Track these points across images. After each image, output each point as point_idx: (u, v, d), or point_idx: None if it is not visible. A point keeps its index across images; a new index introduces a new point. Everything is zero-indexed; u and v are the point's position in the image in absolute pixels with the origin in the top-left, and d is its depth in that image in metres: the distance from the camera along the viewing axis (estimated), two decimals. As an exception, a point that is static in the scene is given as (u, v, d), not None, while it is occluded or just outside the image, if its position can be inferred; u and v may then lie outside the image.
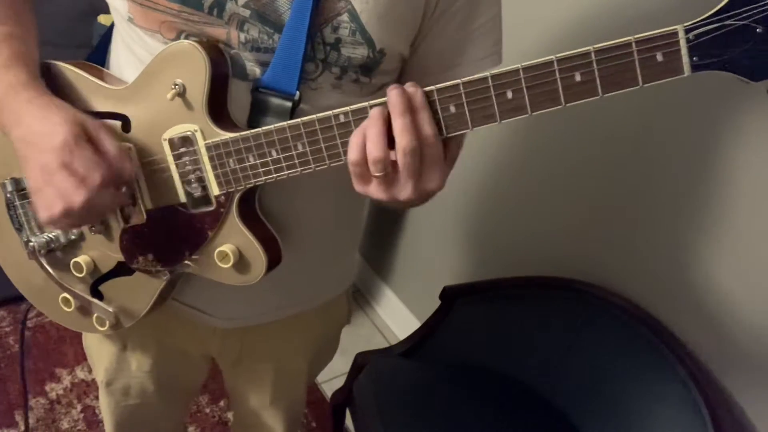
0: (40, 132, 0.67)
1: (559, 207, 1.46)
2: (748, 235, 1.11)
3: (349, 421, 1.55)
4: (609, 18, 1.24)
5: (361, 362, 1.49)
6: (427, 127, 0.61)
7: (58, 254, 0.82)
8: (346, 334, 1.13)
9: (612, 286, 1.32)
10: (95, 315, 0.83)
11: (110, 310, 0.82)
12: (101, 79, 0.76)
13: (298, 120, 0.65)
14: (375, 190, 0.64)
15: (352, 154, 0.62)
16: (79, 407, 1.78)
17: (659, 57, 0.54)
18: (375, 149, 0.60)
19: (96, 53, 0.85)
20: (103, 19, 1.67)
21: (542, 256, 1.53)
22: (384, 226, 2.16)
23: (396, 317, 2.16)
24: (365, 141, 0.61)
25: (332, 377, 1.87)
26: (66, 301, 0.84)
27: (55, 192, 0.66)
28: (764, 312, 1.11)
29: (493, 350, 1.46)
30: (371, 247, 2.27)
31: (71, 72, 0.76)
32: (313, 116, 0.65)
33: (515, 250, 1.62)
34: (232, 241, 0.73)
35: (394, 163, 0.61)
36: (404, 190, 0.63)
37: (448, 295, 1.48)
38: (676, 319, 1.24)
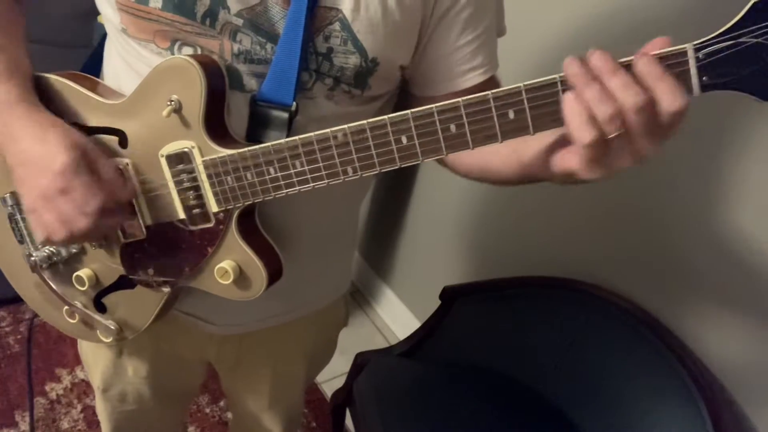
0: (39, 154, 0.66)
1: (560, 207, 1.46)
2: (748, 235, 1.11)
3: (349, 421, 1.55)
4: (614, 17, 1.24)
5: (361, 362, 1.49)
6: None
7: (60, 267, 0.81)
8: (346, 334, 1.13)
9: (612, 286, 1.32)
10: (98, 328, 0.83)
11: (111, 327, 0.82)
12: (96, 91, 0.74)
13: (296, 138, 0.64)
14: (619, 160, 0.55)
15: (587, 133, 0.53)
16: (79, 407, 1.78)
17: None
18: (605, 106, 0.52)
19: (93, 58, 0.84)
20: (103, 19, 1.67)
21: (542, 256, 1.53)
22: (384, 226, 2.16)
23: (396, 317, 2.16)
24: (587, 108, 0.52)
25: (332, 377, 1.87)
26: (70, 312, 0.84)
27: (56, 217, 0.66)
28: (764, 312, 1.11)
29: (493, 350, 1.46)
30: (371, 247, 2.27)
31: (64, 85, 0.75)
32: (311, 135, 0.64)
33: (515, 250, 1.62)
34: (232, 257, 0.72)
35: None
36: (646, 148, 0.54)
37: (448, 295, 1.48)
38: (676, 319, 1.24)
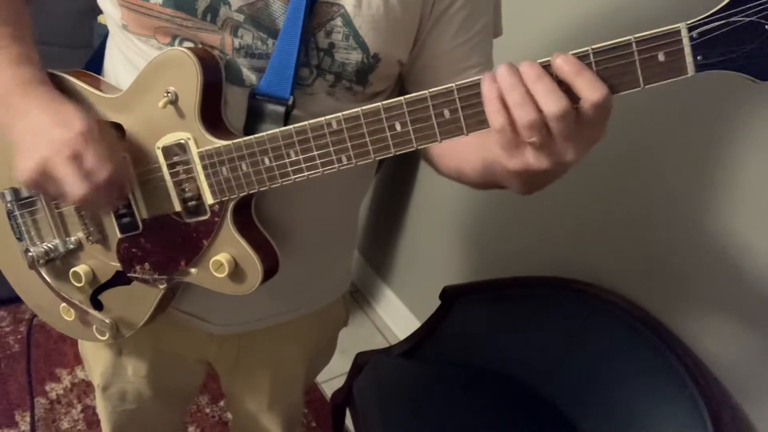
0: (53, 122, 0.66)
1: (560, 207, 1.46)
2: (748, 235, 1.11)
3: (349, 421, 1.55)
4: (610, 17, 1.24)
5: (361, 362, 1.49)
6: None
7: (57, 264, 0.81)
8: (346, 334, 1.13)
9: (612, 286, 1.32)
10: (95, 325, 0.83)
11: (107, 321, 0.82)
12: (95, 87, 0.75)
13: (290, 127, 0.65)
14: (533, 159, 0.56)
15: (496, 119, 0.55)
16: (79, 407, 1.78)
17: (661, 57, 0.52)
18: (525, 113, 0.53)
19: (95, 58, 0.85)
20: (102, 19, 1.66)
21: (542, 256, 1.53)
22: (384, 226, 2.16)
23: (396, 317, 2.16)
24: (506, 106, 0.54)
25: (332, 377, 1.87)
26: (66, 310, 0.84)
27: (57, 180, 0.66)
28: (764, 311, 1.11)
29: (493, 350, 1.46)
30: (371, 247, 2.27)
31: (64, 80, 0.75)
32: (305, 123, 0.64)
33: (515, 250, 1.62)
34: (228, 250, 0.72)
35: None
36: (567, 153, 0.55)
37: (448, 295, 1.48)
38: (676, 319, 1.24)
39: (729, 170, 1.11)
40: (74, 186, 0.65)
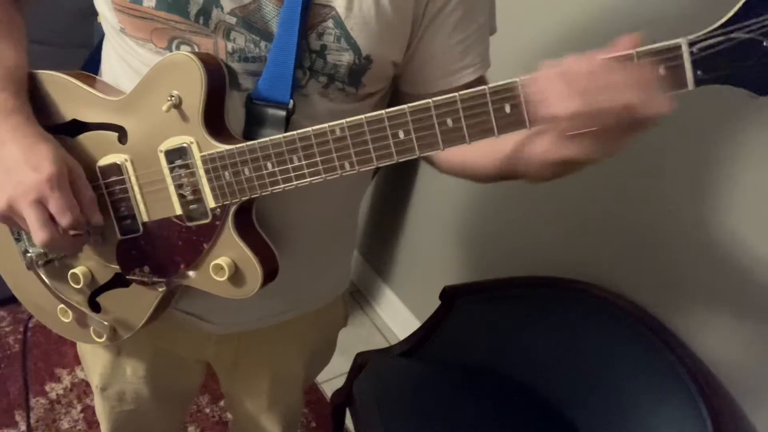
0: (25, 161, 0.67)
1: (560, 207, 1.46)
2: (747, 235, 1.11)
3: (349, 421, 1.55)
4: (608, 21, 1.24)
5: (361, 362, 1.49)
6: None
7: (55, 265, 0.81)
8: (346, 333, 1.13)
9: (612, 286, 1.32)
10: (92, 326, 0.83)
11: (105, 323, 0.82)
12: (98, 89, 0.75)
13: (294, 133, 0.65)
14: (589, 149, 0.56)
15: (571, 105, 0.53)
16: (79, 407, 1.78)
17: (662, 70, 0.53)
18: (610, 98, 0.52)
19: (91, 59, 0.85)
20: (101, 19, 1.66)
21: (542, 256, 1.53)
22: (384, 225, 2.16)
23: (396, 317, 2.16)
24: (579, 94, 0.53)
25: (332, 377, 1.87)
26: (64, 311, 0.84)
27: (21, 223, 0.68)
28: (764, 311, 1.11)
29: (493, 350, 1.46)
30: (371, 247, 2.27)
31: (66, 81, 0.75)
32: (309, 129, 0.64)
33: (515, 250, 1.62)
34: (228, 254, 0.72)
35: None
36: (620, 145, 0.56)
37: (448, 295, 1.48)
38: (676, 319, 1.24)
39: (729, 170, 1.11)
40: (36, 231, 0.67)
